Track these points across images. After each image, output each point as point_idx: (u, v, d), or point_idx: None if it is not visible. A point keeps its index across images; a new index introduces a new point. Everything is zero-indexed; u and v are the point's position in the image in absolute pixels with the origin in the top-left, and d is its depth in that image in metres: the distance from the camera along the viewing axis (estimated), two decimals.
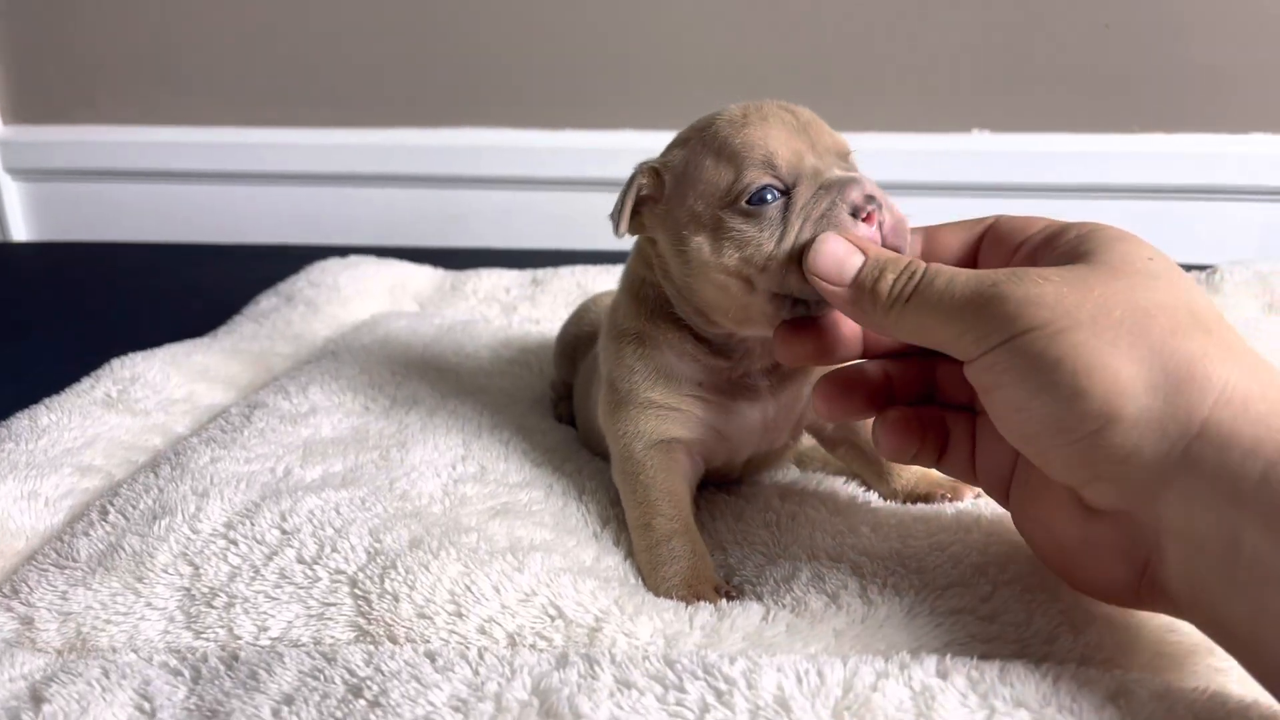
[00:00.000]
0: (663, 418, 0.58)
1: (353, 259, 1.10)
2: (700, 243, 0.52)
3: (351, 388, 0.74)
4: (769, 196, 0.50)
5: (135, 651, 0.46)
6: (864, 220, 0.48)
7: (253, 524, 0.53)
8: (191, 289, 1.24)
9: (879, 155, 1.48)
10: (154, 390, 0.74)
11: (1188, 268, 0.94)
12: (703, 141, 0.53)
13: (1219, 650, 0.42)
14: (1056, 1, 1.41)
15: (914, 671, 0.41)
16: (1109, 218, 1.30)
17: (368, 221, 1.57)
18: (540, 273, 1.08)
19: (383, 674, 0.42)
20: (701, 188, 0.52)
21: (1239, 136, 1.44)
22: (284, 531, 0.52)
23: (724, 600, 0.50)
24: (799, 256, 0.48)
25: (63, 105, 1.63)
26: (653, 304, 0.58)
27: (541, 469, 0.64)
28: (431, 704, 0.40)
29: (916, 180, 1.48)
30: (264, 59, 1.55)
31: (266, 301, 0.99)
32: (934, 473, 0.64)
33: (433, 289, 1.08)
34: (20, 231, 1.70)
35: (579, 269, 1.08)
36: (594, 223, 1.52)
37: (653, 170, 0.55)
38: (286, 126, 1.57)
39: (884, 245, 0.47)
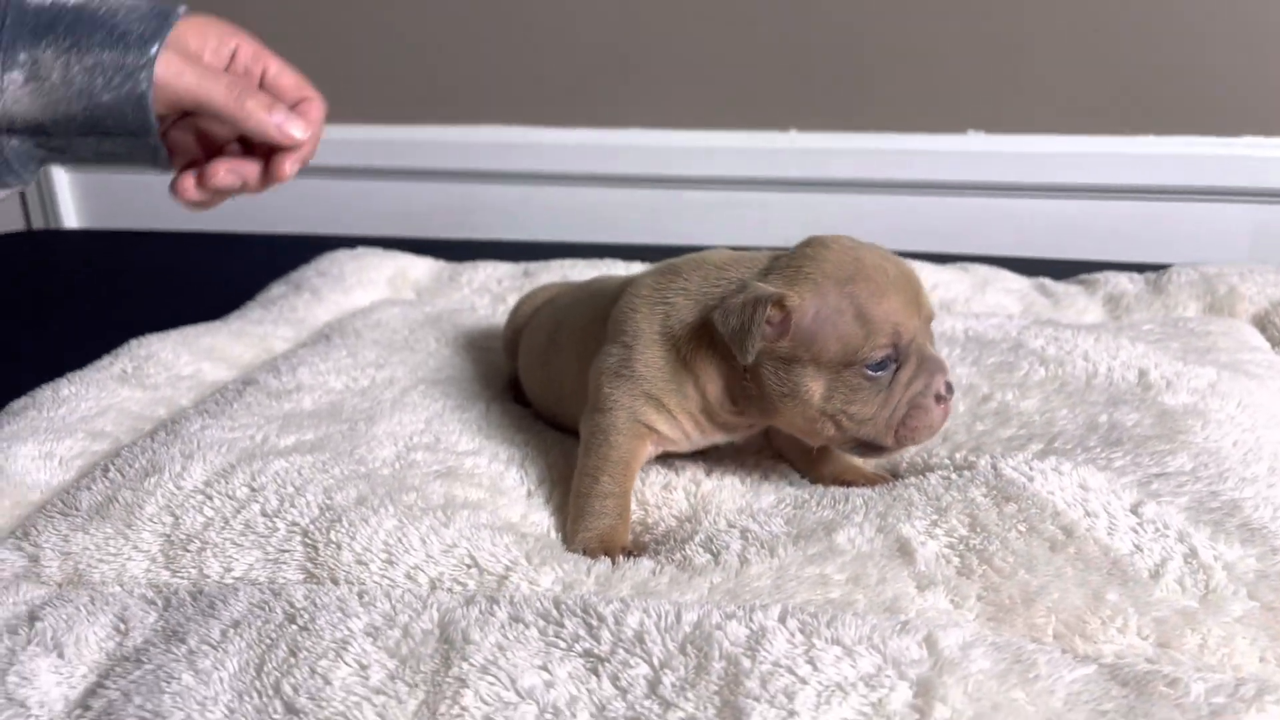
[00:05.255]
0: (658, 410, 0.65)
1: (360, 250, 1.18)
2: (814, 388, 0.60)
3: (337, 369, 0.83)
4: (887, 364, 0.60)
5: (120, 585, 0.55)
6: (939, 403, 0.60)
7: (227, 482, 0.62)
8: (216, 275, 1.33)
9: (877, 156, 1.53)
10: (165, 367, 0.83)
11: (1158, 267, 0.99)
12: (843, 298, 0.59)
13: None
14: (1049, 4, 1.45)
15: (758, 615, 0.48)
16: (1101, 218, 1.38)
17: (384, 214, 1.66)
18: (532, 265, 1.16)
19: (315, 606, 0.50)
20: (832, 342, 0.59)
21: (1230, 139, 1.47)
22: (252, 489, 0.61)
23: (623, 557, 0.57)
24: (900, 425, 0.60)
25: None
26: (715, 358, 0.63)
27: (492, 440, 0.72)
28: (350, 630, 0.48)
29: (911, 179, 1.53)
30: (284, 57, 1.64)
31: (277, 289, 1.08)
32: (857, 464, 0.70)
33: (431, 279, 1.16)
34: (71, 219, 1.82)
35: (567, 262, 1.16)
36: (596, 217, 1.60)
37: (779, 306, 0.59)
38: None
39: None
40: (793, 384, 0.60)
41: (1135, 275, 1.03)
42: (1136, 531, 0.56)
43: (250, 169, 0.63)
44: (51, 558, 0.57)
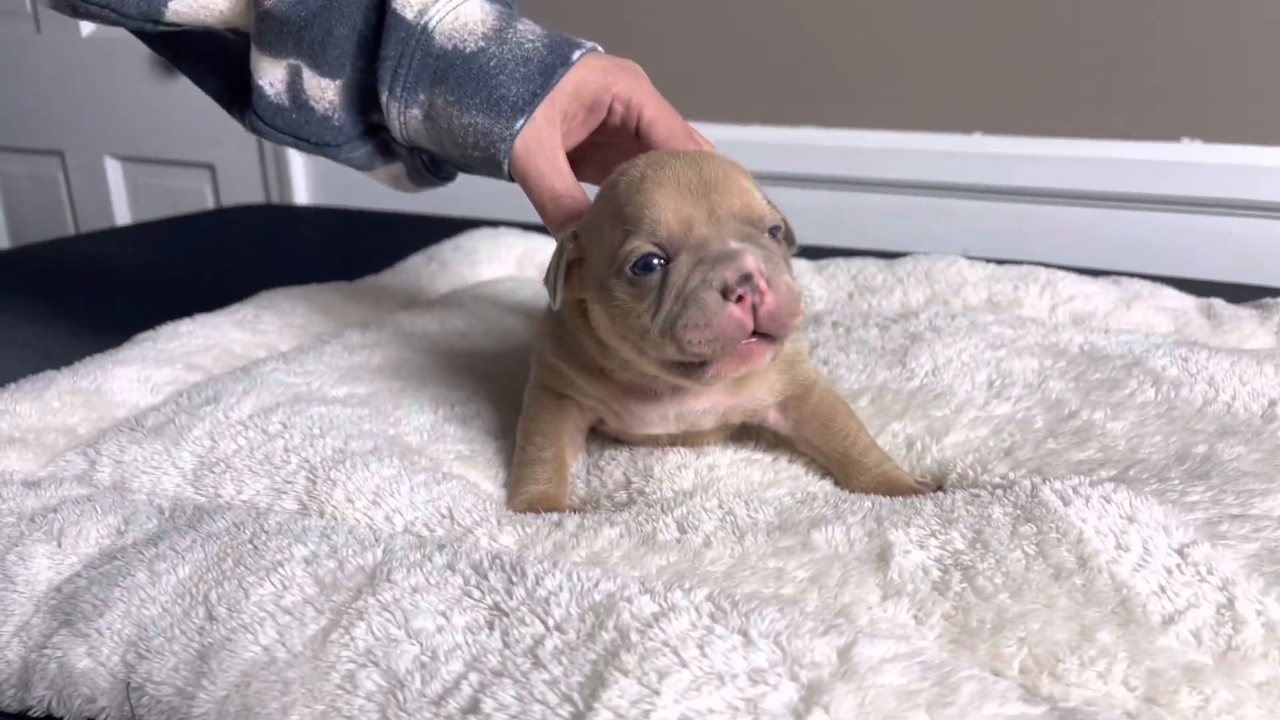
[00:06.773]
0: (560, 378, 0.64)
1: (501, 230, 1.22)
2: (598, 310, 0.54)
3: (421, 332, 0.86)
4: (654, 264, 0.50)
5: (145, 494, 0.61)
6: (735, 301, 0.48)
7: (267, 417, 0.66)
8: (410, 250, 1.39)
9: (1075, 163, 1.40)
10: (280, 317, 0.90)
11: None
12: (604, 202, 0.55)
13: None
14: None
15: (676, 595, 0.45)
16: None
17: None
18: None
19: (280, 532, 0.53)
20: (598, 253, 0.54)
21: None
22: (285, 426, 0.65)
23: (581, 518, 0.56)
24: (672, 329, 0.50)
25: None
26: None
27: None
28: (291, 554, 0.50)
29: (1116, 191, 1.40)
30: None
31: (414, 259, 1.14)
32: (899, 478, 0.64)
33: None
34: (302, 195, 2.02)
35: None
36: None
37: (574, 234, 0.56)
38: None
39: (758, 329, 0.49)
40: (595, 317, 0.54)
41: None
42: (1170, 572, 0.48)
43: None
44: (106, 465, 0.64)
